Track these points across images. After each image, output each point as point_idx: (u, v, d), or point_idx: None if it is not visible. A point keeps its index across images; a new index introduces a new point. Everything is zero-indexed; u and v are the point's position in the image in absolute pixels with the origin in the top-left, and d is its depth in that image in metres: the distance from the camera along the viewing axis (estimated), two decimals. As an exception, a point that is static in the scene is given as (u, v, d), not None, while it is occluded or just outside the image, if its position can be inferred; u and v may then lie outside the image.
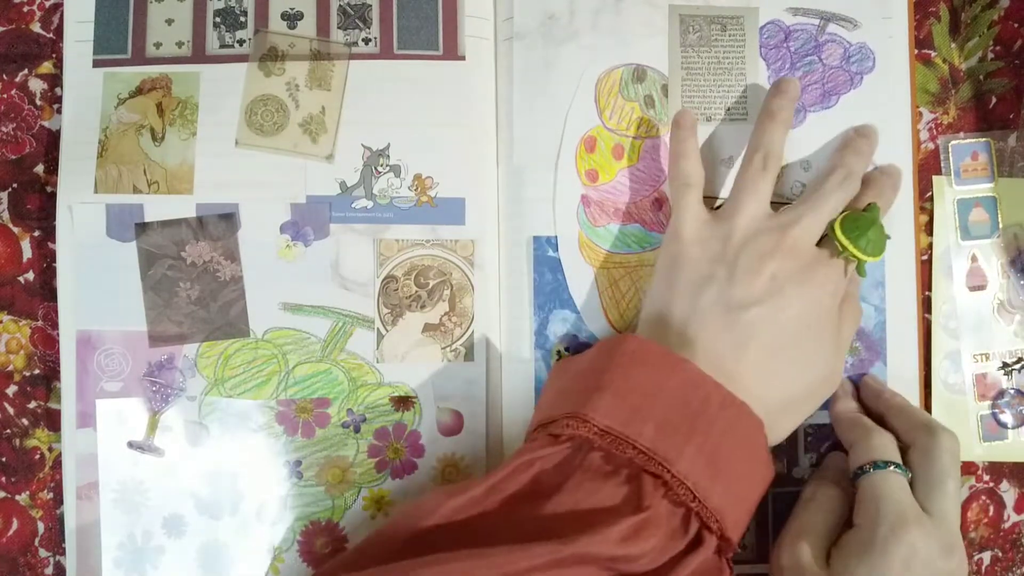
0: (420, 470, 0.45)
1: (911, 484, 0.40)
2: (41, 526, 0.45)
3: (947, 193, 0.47)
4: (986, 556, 0.48)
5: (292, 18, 0.45)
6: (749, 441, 0.37)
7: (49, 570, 0.45)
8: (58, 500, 0.45)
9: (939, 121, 0.48)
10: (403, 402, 0.45)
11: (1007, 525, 0.48)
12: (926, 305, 0.47)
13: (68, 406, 0.44)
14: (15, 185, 0.46)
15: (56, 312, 0.44)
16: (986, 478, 0.48)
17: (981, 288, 0.47)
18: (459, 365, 0.45)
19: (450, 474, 0.45)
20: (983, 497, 0.48)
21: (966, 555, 0.39)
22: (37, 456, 0.45)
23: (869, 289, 0.45)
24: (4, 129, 0.46)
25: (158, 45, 0.45)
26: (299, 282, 0.44)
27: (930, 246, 0.47)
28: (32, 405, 0.45)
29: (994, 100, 0.48)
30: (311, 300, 0.44)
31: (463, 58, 0.45)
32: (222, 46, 0.45)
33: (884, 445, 0.40)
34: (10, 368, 0.45)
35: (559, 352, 0.45)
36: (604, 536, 0.33)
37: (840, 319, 0.41)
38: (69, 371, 0.44)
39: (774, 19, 0.46)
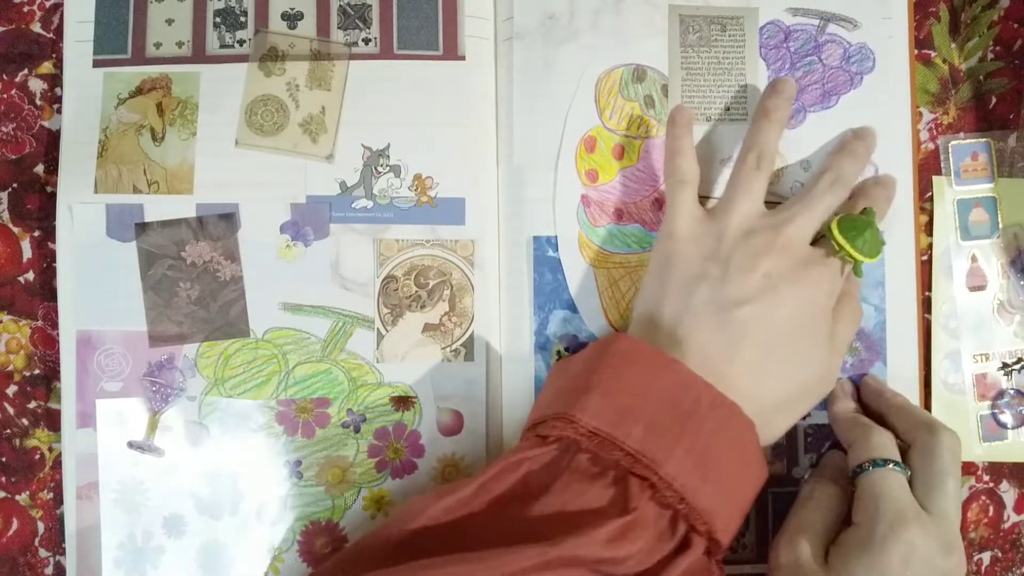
0: (420, 470, 0.45)
1: (911, 482, 0.39)
2: (41, 526, 0.45)
3: (947, 193, 0.47)
4: (986, 556, 0.48)
5: (292, 18, 0.45)
6: (740, 442, 0.37)
7: (49, 570, 0.45)
8: (58, 500, 0.45)
9: (939, 121, 0.48)
10: (403, 402, 0.45)
11: (1007, 525, 0.48)
12: (926, 305, 0.47)
13: (68, 406, 0.44)
14: (15, 185, 0.46)
15: (56, 312, 0.44)
16: (986, 478, 0.48)
17: (981, 288, 0.47)
18: (459, 365, 0.45)
19: (450, 474, 0.45)
20: (983, 497, 0.48)
21: (965, 555, 0.39)
22: (37, 456, 0.45)
23: (869, 289, 0.45)
24: (4, 129, 0.46)
25: (158, 45, 0.45)
26: (299, 282, 0.44)
27: (930, 246, 0.47)
28: (32, 405, 0.45)
29: (994, 100, 0.48)
30: (311, 300, 0.44)
31: (463, 58, 0.45)
32: (222, 46, 0.45)
33: (883, 444, 0.40)
34: (10, 368, 0.45)
35: (559, 352, 0.45)
36: (590, 538, 0.33)
37: (837, 319, 0.41)
38: (69, 371, 0.44)
39: (774, 19, 0.46)
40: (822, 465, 0.44)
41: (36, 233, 0.46)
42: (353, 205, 0.45)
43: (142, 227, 0.44)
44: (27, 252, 0.46)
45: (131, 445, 0.44)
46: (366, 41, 0.45)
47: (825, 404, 0.45)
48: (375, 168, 0.45)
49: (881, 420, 0.43)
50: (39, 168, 0.46)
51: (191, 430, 0.44)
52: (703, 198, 0.44)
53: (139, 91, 0.45)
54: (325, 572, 0.37)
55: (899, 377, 0.45)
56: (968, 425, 0.47)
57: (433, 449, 0.45)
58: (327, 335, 0.44)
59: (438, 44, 0.45)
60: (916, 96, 0.47)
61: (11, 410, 0.45)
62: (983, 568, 0.48)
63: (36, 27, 0.46)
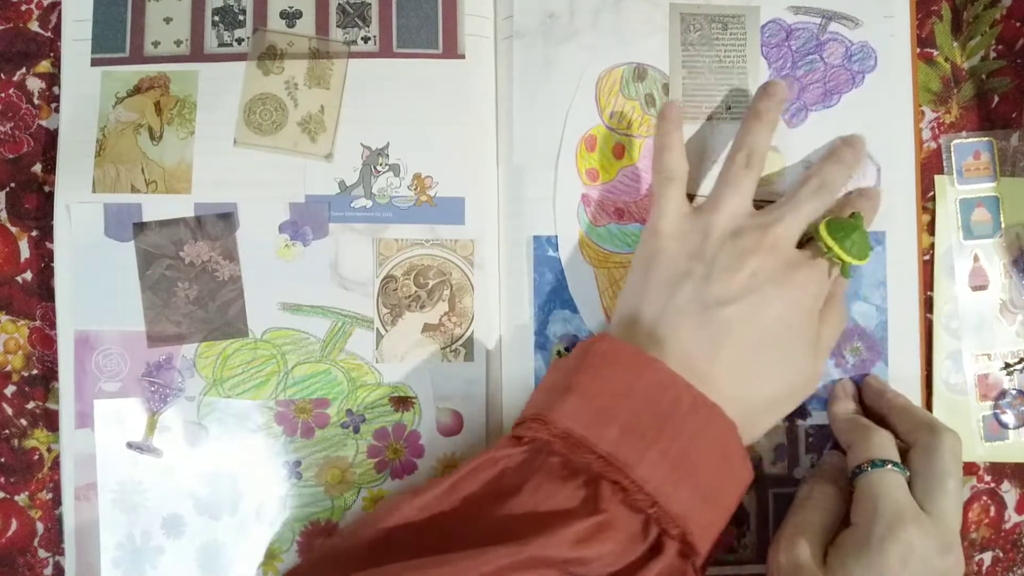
0: (420, 470, 0.44)
1: (911, 482, 0.39)
2: (40, 526, 0.45)
3: (949, 193, 0.47)
4: (987, 556, 0.48)
5: (291, 16, 0.45)
6: (721, 444, 0.37)
7: (48, 570, 0.45)
8: (57, 500, 0.45)
9: (941, 120, 0.48)
10: (403, 402, 0.44)
11: (1008, 526, 0.48)
12: (928, 305, 0.47)
13: (66, 406, 0.44)
14: (13, 185, 0.46)
15: (54, 312, 0.44)
16: (987, 479, 0.48)
17: (983, 288, 0.47)
18: (459, 365, 0.45)
19: (450, 474, 0.45)
20: (984, 498, 0.48)
21: (965, 555, 0.39)
22: (36, 456, 0.45)
23: (871, 289, 0.45)
24: (2, 128, 0.45)
25: (156, 44, 0.45)
26: (298, 282, 0.44)
27: (932, 246, 0.47)
28: (30, 405, 0.45)
29: (996, 99, 0.48)
30: (310, 300, 0.44)
31: (463, 57, 0.45)
32: (220, 45, 0.45)
33: (882, 444, 0.40)
34: (8, 368, 0.45)
35: (559, 352, 0.45)
36: (559, 538, 0.33)
37: (822, 321, 0.41)
38: (67, 371, 0.44)
39: (775, 18, 0.46)
40: (820, 465, 0.44)
41: (34, 233, 0.46)
42: (352, 204, 0.44)
43: (140, 227, 0.44)
44: (25, 252, 0.45)
45: (130, 445, 0.44)
46: (365, 39, 0.45)
47: (825, 404, 0.45)
48: (374, 167, 0.45)
49: (882, 421, 0.43)
50: (37, 167, 0.46)
51: (190, 430, 0.44)
52: (696, 197, 0.44)
53: (137, 90, 0.44)
54: (299, 573, 0.37)
55: (901, 377, 0.45)
56: (970, 425, 0.47)
57: (433, 449, 0.44)
58: (326, 335, 0.44)
59: (438, 43, 0.45)
60: (918, 95, 0.47)
61: (9, 410, 0.45)
62: (984, 568, 0.48)
63: (34, 26, 0.46)
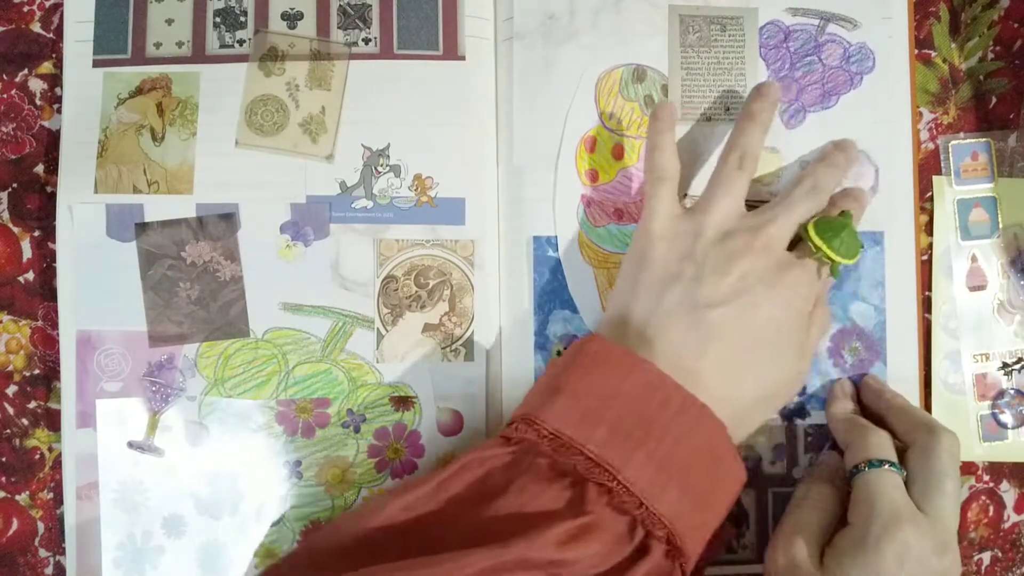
0: (420, 470, 0.45)
1: (908, 483, 0.39)
2: (41, 526, 0.45)
3: (947, 193, 0.47)
4: (986, 556, 0.48)
5: (292, 18, 0.45)
6: (710, 445, 0.37)
7: (49, 570, 0.45)
8: (58, 500, 0.45)
9: (939, 121, 0.48)
10: (403, 402, 0.45)
11: (1007, 525, 0.48)
12: (926, 305, 0.47)
13: (68, 406, 0.44)
14: (15, 185, 0.46)
15: (56, 312, 0.44)
16: (986, 478, 0.48)
17: (981, 288, 0.47)
18: (459, 365, 0.45)
19: (450, 474, 0.45)
20: (983, 497, 0.48)
21: (964, 555, 0.39)
22: (37, 456, 0.45)
23: (869, 289, 0.46)
24: (4, 129, 0.46)
25: (158, 45, 0.45)
26: (299, 282, 0.44)
27: (930, 246, 0.47)
28: (32, 405, 0.45)
29: (994, 100, 0.48)
30: (311, 300, 0.44)
31: (463, 58, 0.45)
32: (222, 46, 0.45)
33: (880, 444, 0.40)
34: (10, 368, 0.45)
35: (559, 352, 0.45)
36: (543, 539, 0.33)
37: (809, 322, 0.41)
38: (69, 371, 0.44)
39: (774, 19, 0.46)
40: (817, 465, 0.44)
41: (36, 233, 0.46)
42: (353, 205, 0.45)
43: (142, 227, 0.44)
44: (27, 252, 0.46)
45: (131, 445, 0.44)
46: (366, 41, 0.45)
47: (823, 404, 0.45)
48: (375, 168, 0.45)
49: (881, 421, 0.43)
50: (39, 168, 0.46)
51: (191, 430, 0.44)
52: (688, 196, 0.44)
53: (139, 91, 0.45)
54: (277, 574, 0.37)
55: (899, 377, 0.45)
56: (968, 425, 0.47)
57: (433, 449, 0.45)
58: (327, 335, 0.44)
59: (438, 44, 0.45)
60: (916, 96, 0.47)
61: (11, 410, 0.45)
62: (983, 568, 0.48)
63: (36, 27, 0.46)
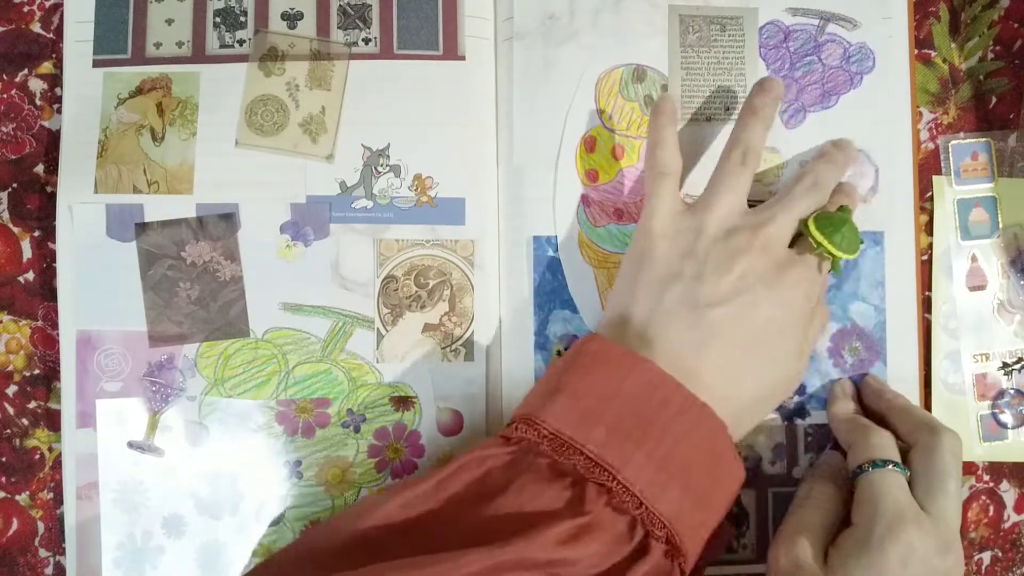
0: (420, 470, 0.45)
1: (911, 483, 0.39)
2: (41, 526, 0.45)
3: (947, 193, 0.47)
4: (986, 556, 0.48)
5: (292, 18, 0.45)
6: (711, 444, 0.37)
7: (49, 570, 0.45)
8: (58, 500, 0.45)
9: (939, 121, 0.48)
10: (403, 402, 0.45)
11: (1007, 525, 0.48)
12: (926, 305, 0.47)
13: (68, 406, 0.44)
14: (15, 185, 0.46)
15: (56, 312, 0.44)
16: (986, 478, 0.48)
17: (981, 288, 0.47)
18: (459, 365, 0.45)
19: (450, 474, 0.45)
20: (983, 497, 0.48)
21: (965, 555, 0.39)
22: (37, 456, 0.45)
23: (869, 289, 0.46)
24: (4, 129, 0.46)
25: (158, 45, 0.45)
26: (299, 282, 0.44)
27: (930, 246, 0.47)
28: (32, 405, 0.45)
29: (994, 100, 0.48)
30: (311, 300, 0.44)
31: (463, 58, 0.45)
32: (222, 46, 0.45)
33: (883, 444, 0.40)
34: (10, 368, 0.45)
35: (559, 352, 0.45)
36: (543, 539, 0.33)
37: (809, 321, 0.41)
38: (69, 371, 0.44)
39: (773, 19, 0.46)
40: (818, 465, 0.44)
41: (36, 233, 0.46)
42: (353, 205, 0.45)
43: (142, 227, 0.44)
44: (27, 252, 0.46)
45: (131, 445, 0.44)
46: (366, 41, 0.45)
47: (824, 404, 0.45)
48: (375, 168, 0.45)
49: (882, 421, 0.43)
50: (39, 168, 0.46)
51: (191, 430, 0.44)
52: (686, 196, 0.44)
53: (139, 91, 0.45)
54: (270, 572, 0.36)
55: (899, 377, 0.45)
56: (968, 425, 0.47)
57: (433, 449, 0.45)
58: (327, 335, 0.44)
59: (438, 44, 0.45)
60: (916, 96, 0.47)
61: (11, 410, 0.45)
62: (983, 568, 0.48)
63: (36, 27, 0.46)
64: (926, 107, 0.48)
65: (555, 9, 0.45)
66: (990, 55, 0.48)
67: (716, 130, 0.45)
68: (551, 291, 0.45)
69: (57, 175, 0.44)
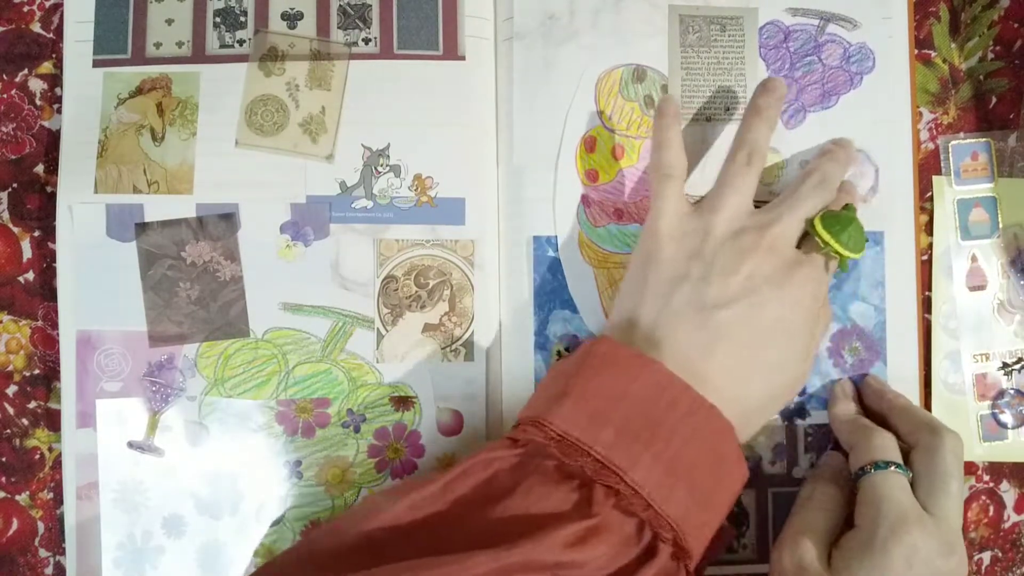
0: (420, 470, 0.45)
1: (913, 484, 0.39)
2: (41, 526, 0.45)
3: (947, 193, 0.47)
4: (986, 556, 0.48)
5: (292, 18, 0.45)
6: (717, 446, 0.37)
7: (49, 570, 0.45)
8: (58, 500, 0.45)
9: (939, 121, 0.48)
10: (403, 402, 0.45)
11: (1007, 525, 0.48)
12: (926, 305, 0.47)
13: (68, 406, 0.44)
14: (15, 185, 0.46)
15: (56, 312, 0.44)
16: (986, 478, 0.48)
17: (981, 288, 0.47)
18: (459, 365, 0.45)
19: (450, 474, 0.45)
20: (983, 497, 0.48)
21: (966, 555, 0.39)
22: (37, 456, 0.45)
23: (869, 289, 0.46)
24: (4, 129, 0.46)
25: (158, 45, 0.45)
26: (299, 282, 0.44)
27: (930, 246, 0.47)
28: (32, 405, 0.45)
29: (994, 100, 0.48)
30: (311, 300, 0.44)
31: (463, 58, 0.45)
32: (222, 46, 0.45)
33: (885, 445, 0.40)
34: (10, 368, 0.45)
35: (559, 352, 0.45)
36: (550, 541, 0.33)
37: (815, 322, 0.41)
38: (69, 371, 0.44)
39: (773, 19, 0.46)
40: (820, 466, 0.44)
41: (36, 233, 0.46)
42: (353, 205, 0.45)
43: (142, 227, 0.44)
44: (27, 252, 0.46)
45: (131, 445, 0.44)
46: (366, 41, 0.45)
47: (824, 405, 0.45)
48: (375, 168, 0.45)
49: (882, 421, 0.43)
50: (39, 168, 0.46)
51: (191, 430, 0.44)
52: (689, 197, 0.44)
53: (139, 91, 0.45)
54: (272, 574, 0.36)
55: (899, 377, 0.45)
56: (968, 425, 0.47)
57: (433, 449, 0.45)
58: (327, 335, 0.44)
59: (438, 44, 0.45)
60: (916, 96, 0.47)
61: (11, 410, 0.45)
62: (983, 568, 0.48)
63: (36, 27, 0.46)
64: (926, 107, 0.48)
65: (555, 9, 0.45)
66: (990, 55, 0.48)
67: (716, 130, 0.45)
68: (551, 291, 0.45)
69: (57, 175, 0.44)
